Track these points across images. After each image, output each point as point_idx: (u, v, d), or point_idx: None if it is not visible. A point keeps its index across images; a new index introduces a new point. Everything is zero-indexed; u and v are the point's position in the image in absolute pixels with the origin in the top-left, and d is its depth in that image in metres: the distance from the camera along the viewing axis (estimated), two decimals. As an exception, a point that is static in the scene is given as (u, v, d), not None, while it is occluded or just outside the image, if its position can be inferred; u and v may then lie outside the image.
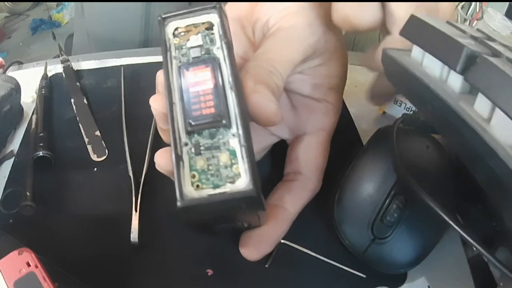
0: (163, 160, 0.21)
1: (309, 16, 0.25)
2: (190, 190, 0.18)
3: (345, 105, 0.36)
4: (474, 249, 0.20)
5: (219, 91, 0.19)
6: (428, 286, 0.27)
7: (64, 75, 0.41)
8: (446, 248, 0.28)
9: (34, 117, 0.36)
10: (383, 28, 0.26)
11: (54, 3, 2.00)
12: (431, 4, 0.25)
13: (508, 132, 0.15)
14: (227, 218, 0.22)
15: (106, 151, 0.35)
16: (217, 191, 0.18)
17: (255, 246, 0.25)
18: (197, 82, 0.19)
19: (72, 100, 0.38)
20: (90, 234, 0.29)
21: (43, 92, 0.38)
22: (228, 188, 0.18)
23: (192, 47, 0.20)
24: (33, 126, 0.35)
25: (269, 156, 0.32)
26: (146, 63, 0.43)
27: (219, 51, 0.20)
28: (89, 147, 0.35)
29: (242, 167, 0.18)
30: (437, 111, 0.19)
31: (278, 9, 0.25)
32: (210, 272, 0.28)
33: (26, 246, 0.22)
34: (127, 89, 0.40)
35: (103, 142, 0.35)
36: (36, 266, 0.21)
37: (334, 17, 0.25)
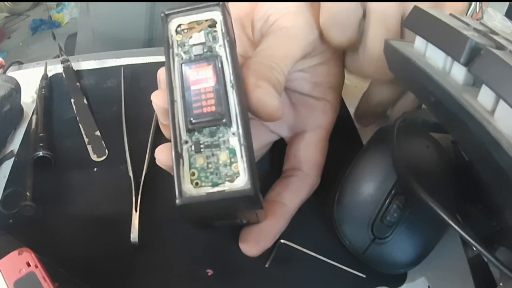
0: (163, 155, 0.21)
1: (307, 16, 0.26)
2: (189, 188, 0.18)
3: (345, 105, 0.36)
4: (474, 249, 0.20)
5: (220, 90, 0.19)
6: (428, 286, 0.27)
7: (64, 75, 0.41)
8: (446, 248, 0.28)
9: (34, 117, 0.36)
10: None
11: (54, 3, 2.00)
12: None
13: (512, 123, 0.15)
14: (226, 215, 0.22)
15: (106, 151, 0.35)
16: (216, 189, 0.18)
17: (255, 242, 0.25)
18: (199, 80, 0.19)
19: (72, 100, 0.38)
20: (90, 234, 0.29)
21: (43, 92, 0.38)
22: (226, 186, 0.18)
23: (194, 45, 0.20)
24: (33, 126, 0.35)
25: (268, 155, 0.32)
26: (146, 63, 0.43)
27: (221, 49, 0.20)
28: (89, 147, 0.35)
29: (241, 166, 0.18)
30: (440, 103, 0.19)
31: (277, 8, 0.26)
32: (210, 272, 0.28)
33: (26, 246, 0.22)
34: (127, 89, 0.40)
35: (103, 142, 0.35)
36: (36, 266, 0.21)
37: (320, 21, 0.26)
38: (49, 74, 0.41)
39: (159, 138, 0.35)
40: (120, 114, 0.37)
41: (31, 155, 0.33)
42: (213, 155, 0.19)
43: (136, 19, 0.60)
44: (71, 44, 0.73)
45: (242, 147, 0.18)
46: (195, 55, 0.20)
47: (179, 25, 0.21)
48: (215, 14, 0.20)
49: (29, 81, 0.40)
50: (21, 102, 0.37)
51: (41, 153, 0.33)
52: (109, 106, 0.38)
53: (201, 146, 0.19)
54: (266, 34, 0.25)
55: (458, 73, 0.18)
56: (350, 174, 0.28)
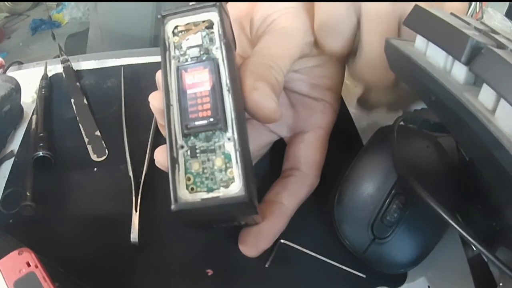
0: (162, 157, 0.21)
1: (306, 17, 0.26)
2: (185, 193, 0.18)
3: (345, 105, 0.36)
4: (474, 249, 0.20)
5: (216, 94, 0.19)
6: (428, 286, 0.27)
7: (64, 75, 0.41)
8: (446, 248, 0.28)
9: (34, 117, 0.36)
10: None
11: (54, 3, 2.00)
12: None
13: (513, 122, 0.15)
14: (223, 218, 0.22)
15: (106, 151, 0.35)
16: (211, 195, 0.18)
17: (253, 243, 0.25)
18: (195, 84, 0.19)
19: (72, 100, 0.38)
20: (90, 234, 0.29)
21: (43, 92, 0.38)
22: (221, 192, 0.18)
23: (191, 47, 0.20)
24: (33, 126, 0.35)
25: (268, 155, 0.32)
26: (146, 63, 0.43)
27: (218, 51, 0.20)
28: (89, 147, 0.35)
29: (236, 172, 0.18)
30: (440, 102, 0.19)
31: (276, 8, 0.26)
32: (210, 272, 0.28)
33: (26, 246, 0.22)
34: (127, 89, 0.40)
35: (103, 142, 0.35)
36: (36, 266, 0.21)
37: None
38: (49, 74, 0.41)
39: (159, 138, 0.35)
40: (120, 114, 0.37)
41: (31, 155, 0.33)
42: (208, 160, 0.19)
43: (143, 17, 0.61)
44: (71, 44, 0.74)
45: (237, 153, 0.18)
46: (191, 58, 0.20)
47: (176, 27, 0.20)
48: (212, 15, 0.20)
49: (29, 81, 0.40)
50: (21, 102, 0.37)
51: (41, 153, 0.33)
52: (109, 106, 0.38)
53: (197, 151, 0.19)
54: (264, 34, 0.25)
55: (459, 72, 0.18)
56: (350, 174, 0.28)
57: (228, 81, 0.19)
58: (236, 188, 0.18)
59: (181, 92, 0.19)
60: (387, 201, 0.26)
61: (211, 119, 0.18)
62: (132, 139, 0.35)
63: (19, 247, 0.22)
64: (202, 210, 0.18)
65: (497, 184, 0.19)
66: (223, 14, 0.20)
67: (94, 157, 0.34)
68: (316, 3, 0.25)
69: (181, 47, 0.20)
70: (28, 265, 0.21)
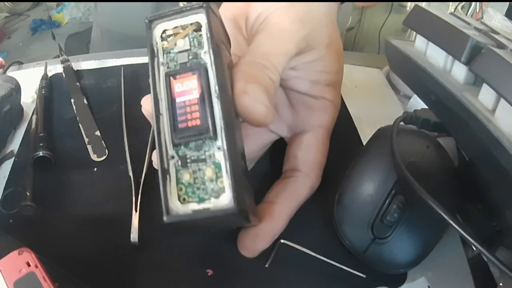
0: None
1: (298, 11, 0.25)
2: (177, 205, 0.18)
3: (345, 105, 0.36)
4: (474, 249, 0.20)
5: (205, 102, 0.18)
6: (428, 286, 0.27)
7: (64, 75, 0.41)
8: (446, 248, 0.28)
9: (34, 117, 0.36)
10: None
11: (54, 3, 2.00)
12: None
13: (513, 122, 0.15)
14: (217, 226, 0.22)
15: (106, 151, 0.35)
16: (202, 206, 0.18)
17: (251, 244, 0.25)
18: (183, 92, 0.18)
19: (72, 100, 0.38)
20: (90, 234, 0.29)
21: (43, 92, 0.38)
22: (212, 203, 0.18)
23: (179, 52, 0.19)
24: (33, 126, 0.35)
25: (268, 154, 0.32)
26: (146, 63, 0.42)
27: (206, 56, 0.19)
28: (89, 147, 0.35)
29: (226, 182, 0.18)
30: (441, 102, 0.19)
31: (267, 5, 0.25)
32: (210, 272, 0.28)
33: (26, 246, 0.22)
34: (127, 89, 0.40)
35: (103, 142, 0.35)
36: (36, 266, 0.21)
37: None
38: (49, 74, 0.41)
39: (159, 138, 0.35)
40: (120, 114, 0.37)
41: (31, 155, 0.33)
42: (199, 169, 0.18)
43: (143, 17, 0.61)
44: (71, 44, 0.74)
45: (227, 162, 0.18)
46: (180, 64, 0.19)
47: (164, 31, 0.20)
48: (200, 17, 0.19)
49: (29, 81, 0.40)
50: (21, 102, 0.37)
51: (41, 153, 0.33)
52: (109, 106, 0.39)
53: (188, 160, 0.18)
54: (258, 32, 0.25)
55: (459, 72, 0.19)
56: (350, 174, 0.28)
57: (217, 88, 0.18)
58: (226, 199, 0.18)
59: (170, 100, 0.19)
60: (387, 201, 0.26)
61: (200, 129, 0.18)
62: (132, 139, 0.35)
63: (19, 247, 0.22)
64: (194, 222, 0.18)
65: (497, 184, 0.19)
66: (211, 15, 0.19)
67: (94, 157, 0.34)
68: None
69: (169, 52, 0.20)
70: (28, 265, 0.21)
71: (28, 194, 0.30)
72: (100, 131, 0.36)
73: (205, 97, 0.18)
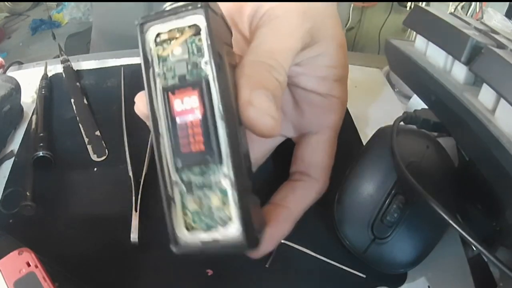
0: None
1: (300, 4, 0.24)
2: (184, 234, 0.17)
3: (345, 105, 0.36)
4: (474, 249, 0.20)
5: (208, 123, 0.16)
6: (428, 286, 0.27)
7: (64, 75, 0.41)
8: (446, 248, 0.28)
9: (34, 117, 0.36)
10: None
11: (54, 3, 2.00)
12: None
13: (513, 122, 0.16)
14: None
15: (106, 151, 0.35)
16: (210, 235, 0.17)
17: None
18: (184, 111, 0.17)
19: (72, 100, 0.38)
20: (90, 234, 0.29)
21: (43, 92, 0.38)
22: (220, 232, 0.17)
23: (177, 61, 0.17)
24: (33, 126, 0.35)
25: (274, 155, 0.32)
26: (146, 63, 0.43)
27: (208, 67, 0.17)
28: (89, 147, 0.35)
29: (234, 212, 0.17)
30: (441, 102, 0.19)
31: None
32: (210, 272, 0.28)
33: (26, 246, 0.22)
34: (127, 89, 0.40)
35: (103, 142, 0.35)
36: (36, 266, 0.21)
37: None
38: (49, 74, 0.41)
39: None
40: (120, 114, 0.37)
41: (31, 155, 0.33)
42: (205, 196, 0.17)
43: (135, 16, 0.61)
44: (71, 44, 0.74)
45: (234, 193, 0.16)
46: (178, 76, 0.17)
47: (158, 35, 0.17)
48: (198, 19, 0.17)
49: (29, 81, 0.40)
50: (21, 102, 0.37)
51: (41, 153, 0.33)
52: (109, 106, 0.38)
53: (193, 186, 0.17)
54: (258, 27, 0.23)
55: (459, 72, 0.19)
56: (350, 174, 0.28)
57: (220, 107, 0.16)
58: (235, 230, 0.16)
59: (170, 120, 0.17)
60: (387, 201, 0.26)
61: (204, 155, 0.16)
62: (132, 139, 0.35)
63: (19, 247, 0.22)
64: (202, 252, 0.17)
65: (497, 184, 0.19)
66: (211, 16, 0.17)
67: (94, 157, 0.34)
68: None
69: (166, 60, 0.17)
70: (28, 265, 0.21)
71: (28, 194, 0.30)
72: (100, 131, 0.36)
73: (208, 118, 0.16)
